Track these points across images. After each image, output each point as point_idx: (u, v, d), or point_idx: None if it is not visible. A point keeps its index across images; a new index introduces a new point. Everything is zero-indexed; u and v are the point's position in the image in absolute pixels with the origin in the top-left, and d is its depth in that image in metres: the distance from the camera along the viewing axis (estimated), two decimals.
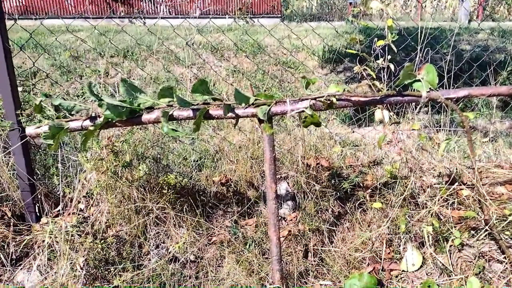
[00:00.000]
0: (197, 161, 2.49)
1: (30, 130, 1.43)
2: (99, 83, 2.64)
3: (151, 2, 12.48)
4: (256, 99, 1.44)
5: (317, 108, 1.42)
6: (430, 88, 1.42)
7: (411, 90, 1.48)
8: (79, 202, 1.99)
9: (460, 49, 6.73)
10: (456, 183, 2.17)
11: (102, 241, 1.71)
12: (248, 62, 6.59)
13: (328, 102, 1.37)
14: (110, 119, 1.37)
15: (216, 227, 2.08)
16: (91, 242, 1.63)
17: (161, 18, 11.46)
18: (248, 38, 7.49)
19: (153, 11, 12.60)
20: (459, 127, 1.48)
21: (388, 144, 3.00)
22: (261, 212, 2.18)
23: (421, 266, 1.73)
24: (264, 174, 2.35)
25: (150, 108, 1.43)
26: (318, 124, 1.44)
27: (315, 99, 1.41)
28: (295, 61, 6.56)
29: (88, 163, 1.69)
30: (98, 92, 1.35)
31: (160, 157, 2.22)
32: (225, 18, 12.25)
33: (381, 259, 1.87)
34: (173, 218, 1.97)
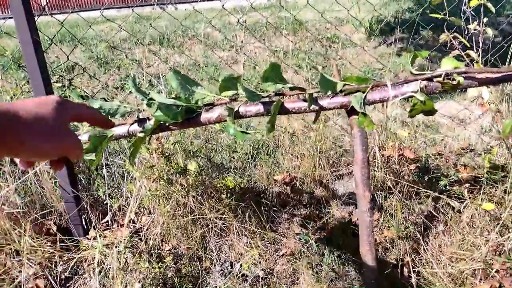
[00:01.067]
0: (252, 155, 2.19)
1: None
2: (140, 73, 2.39)
3: None
4: (345, 85, 1.10)
5: (430, 91, 1.06)
6: None
7: None
8: (130, 212, 1.76)
9: None
10: None
11: (160, 263, 1.46)
12: (289, 40, 6.18)
13: (452, 82, 1.01)
14: (163, 121, 1.08)
15: (284, 235, 1.79)
16: (147, 267, 1.38)
17: (192, 1, 11.15)
18: (286, 15, 7.04)
19: None
20: None
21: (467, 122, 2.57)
22: (333, 215, 1.87)
23: None
24: (335, 169, 2.02)
25: (209, 105, 1.13)
26: (432, 112, 1.08)
27: (429, 79, 1.05)
28: (339, 35, 6.07)
29: (137, 171, 1.43)
30: (142, 87, 1.07)
31: (212, 155, 1.95)
32: None
33: (496, 272, 1.51)
34: (235, 228, 1.69)
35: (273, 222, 1.86)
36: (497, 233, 1.64)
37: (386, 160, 1.88)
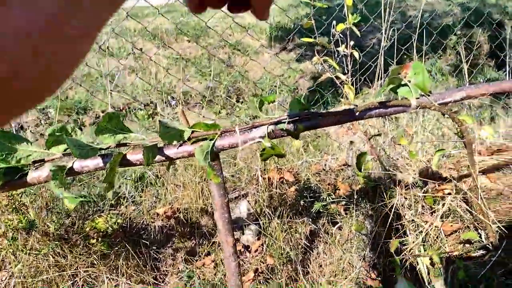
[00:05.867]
0: (135, 185, 2.05)
1: None
2: None
3: None
4: (193, 131, 1.03)
5: (278, 135, 1.04)
6: (420, 93, 1.09)
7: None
8: None
9: (408, 15, 6.57)
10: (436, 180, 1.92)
11: None
12: (191, 47, 6.05)
13: (291, 131, 0.99)
14: None
15: (166, 274, 1.68)
16: None
17: None
18: (188, 20, 6.88)
19: None
20: (457, 136, 1.17)
21: (348, 133, 2.70)
22: (219, 245, 1.81)
23: None
24: None
25: (40, 161, 0.98)
26: (281, 156, 1.06)
27: (275, 123, 1.03)
28: (242, 42, 6.10)
29: None
30: None
31: (86, 195, 1.77)
32: None
33: None
34: (106, 274, 1.55)
35: (156, 260, 1.74)
36: (370, 250, 1.72)
37: (269, 183, 1.88)
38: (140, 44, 5.80)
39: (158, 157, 1.01)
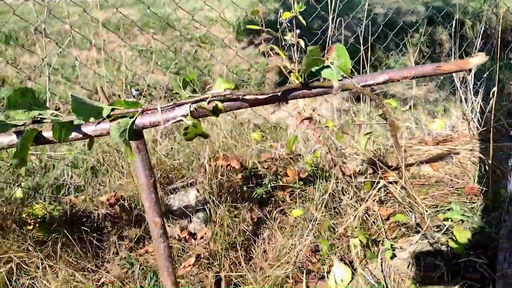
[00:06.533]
0: (78, 173, 2.01)
1: None
2: None
3: None
4: (113, 109, 1.02)
5: (201, 114, 1.05)
6: (343, 75, 1.11)
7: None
8: None
9: (374, 13, 6.70)
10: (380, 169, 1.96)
11: None
12: (157, 39, 5.97)
13: (209, 108, 1.00)
14: None
15: (109, 261, 1.66)
16: None
17: None
18: (154, 12, 6.77)
19: None
20: (381, 118, 1.21)
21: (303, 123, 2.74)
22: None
23: (351, 280, 1.49)
24: (167, 182, 1.96)
25: None
26: (205, 136, 1.06)
27: (196, 102, 1.03)
28: (209, 35, 6.06)
29: None
30: None
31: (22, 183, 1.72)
32: None
33: (308, 272, 1.61)
34: (41, 261, 1.51)
35: (98, 247, 1.72)
36: (313, 234, 1.75)
37: (215, 170, 1.88)
38: (104, 35, 5.67)
39: (75, 135, 0.99)
